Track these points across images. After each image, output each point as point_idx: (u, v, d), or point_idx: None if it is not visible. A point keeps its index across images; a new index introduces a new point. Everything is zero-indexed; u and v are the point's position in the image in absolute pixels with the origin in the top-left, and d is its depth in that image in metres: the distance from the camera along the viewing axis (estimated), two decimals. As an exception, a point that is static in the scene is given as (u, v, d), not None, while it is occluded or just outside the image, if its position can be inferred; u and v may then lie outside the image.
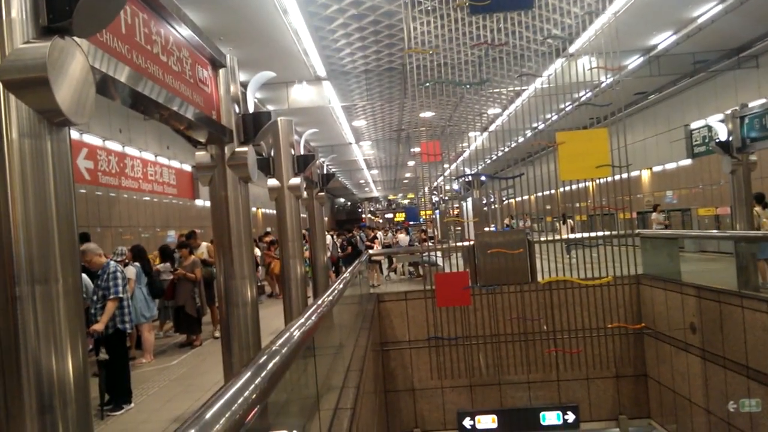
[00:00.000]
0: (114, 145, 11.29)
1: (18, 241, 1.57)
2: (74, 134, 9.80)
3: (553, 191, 8.44)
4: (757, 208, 8.44)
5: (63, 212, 1.66)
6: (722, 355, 6.66)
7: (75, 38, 1.69)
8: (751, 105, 8.27)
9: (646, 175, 18.77)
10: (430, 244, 10.38)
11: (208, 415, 1.18)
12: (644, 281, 8.47)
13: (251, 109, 3.95)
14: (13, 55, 1.56)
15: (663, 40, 12.21)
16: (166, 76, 2.76)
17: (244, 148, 3.69)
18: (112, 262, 5.68)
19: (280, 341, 2.14)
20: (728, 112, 8.13)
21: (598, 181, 8.01)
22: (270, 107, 14.03)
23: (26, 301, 1.58)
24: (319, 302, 3.35)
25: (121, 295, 5.48)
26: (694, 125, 15.64)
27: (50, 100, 1.56)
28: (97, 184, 10.59)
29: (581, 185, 8.46)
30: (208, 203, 14.40)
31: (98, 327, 5.29)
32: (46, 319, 1.60)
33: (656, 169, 18.11)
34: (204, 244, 9.84)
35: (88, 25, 1.69)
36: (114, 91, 2.29)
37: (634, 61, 13.04)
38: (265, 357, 1.84)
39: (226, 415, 1.21)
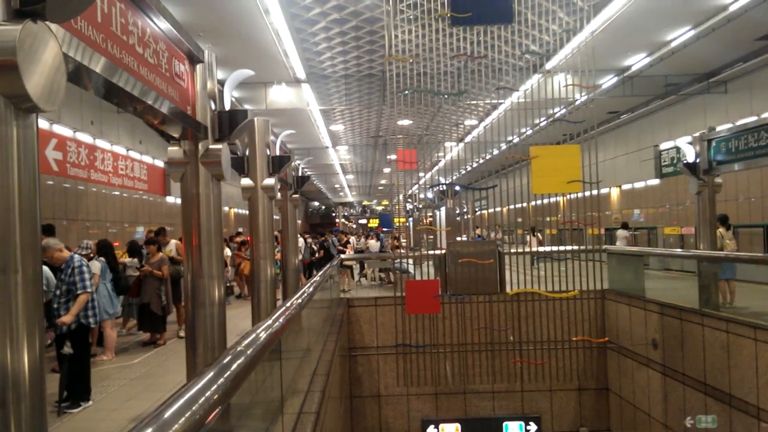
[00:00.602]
0: (85, 137, 11.04)
1: (-24, 228, 1.52)
2: (44, 124, 9.55)
3: (524, 204, 8.55)
4: (721, 230, 8.69)
5: (26, 201, 1.61)
6: (682, 372, 6.81)
7: (48, 23, 1.65)
8: (718, 129, 8.53)
9: (615, 192, 19.17)
10: (402, 251, 10.39)
11: (167, 414, 1.15)
12: (609, 296, 8.63)
13: (228, 107, 3.91)
14: (-18, 38, 1.52)
15: (637, 61, 12.52)
16: (141, 68, 2.72)
17: (219, 146, 3.65)
18: (76, 256, 5.54)
19: (246, 342, 2.11)
20: (696, 134, 8.36)
21: (568, 196, 8.15)
22: (247, 107, 13.92)
23: (-18, 291, 1.53)
24: (288, 305, 3.32)
25: (89, 290, 5.35)
26: (663, 146, 15.96)
27: (18, 85, 1.52)
28: (66, 176, 10.33)
29: (552, 199, 8.59)
30: (179, 200, 14.20)
31: (66, 319, 5.15)
32: (3, 311, 1.55)
33: (625, 187, 18.51)
34: (173, 242, 9.68)
35: (62, 11, 1.65)
36: (87, 80, 2.25)
37: (608, 81, 13.34)
38: (229, 357, 1.81)
39: (186, 415, 1.19)
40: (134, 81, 2.55)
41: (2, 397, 1.55)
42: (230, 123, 3.71)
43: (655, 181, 16.48)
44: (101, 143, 11.75)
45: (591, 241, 8.74)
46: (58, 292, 5.39)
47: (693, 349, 6.59)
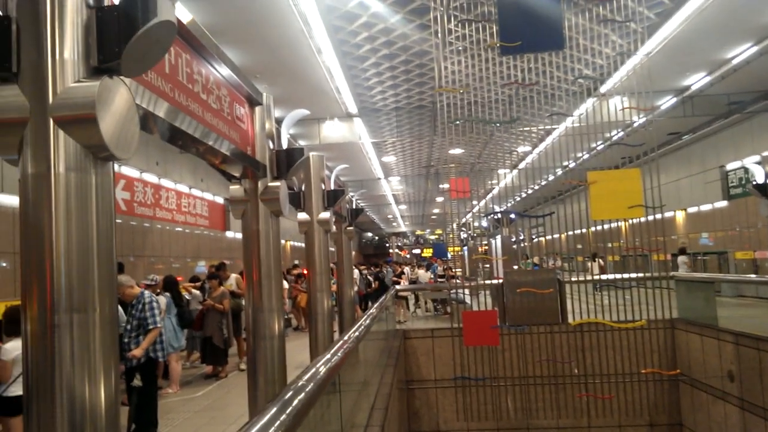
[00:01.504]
0: (150, 177, 11.63)
1: (59, 270, 1.62)
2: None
3: (584, 230, 8.32)
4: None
5: (103, 244, 1.72)
6: (762, 406, 6.35)
7: (123, 78, 1.77)
8: (789, 147, 8.10)
9: (680, 216, 18.38)
10: (457, 281, 10.28)
11: (235, 451, 1.18)
12: (679, 326, 8.20)
13: (285, 145, 4.04)
14: (65, 93, 1.65)
15: (697, 80, 12.12)
16: (205, 114, 2.87)
17: (277, 183, 3.77)
18: (146, 292, 5.78)
19: (306, 377, 2.14)
20: (765, 153, 7.96)
21: (631, 221, 7.87)
22: (302, 142, 14.32)
23: (64, 329, 1.62)
24: (346, 338, 3.34)
25: (159, 325, 5.57)
26: (729, 166, 15.33)
27: (97, 136, 1.63)
28: (133, 215, 10.87)
29: (614, 225, 8.31)
30: (238, 235, 14.58)
31: (137, 352, 5.36)
32: (82, 348, 1.64)
33: (691, 210, 17.74)
34: (233, 276, 9.95)
35: (135, 66, 1.78)
36: (153, 125, 2.39)
37: (667, 101, 12.95)
38: (290, 393, 1.84)
39: (252, 451, 1.21)
40: (197, 125, 2.69)
41: (81, 430, 1.63)
42: (288, 161, 3.84)
43: (723, 203, 15.72)
44: (166, 182, 12.33)
45: (657, 267, 8.38)
46: (128, 327, 5.63)
47: (775, 382, 6.15)
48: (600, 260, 14.81)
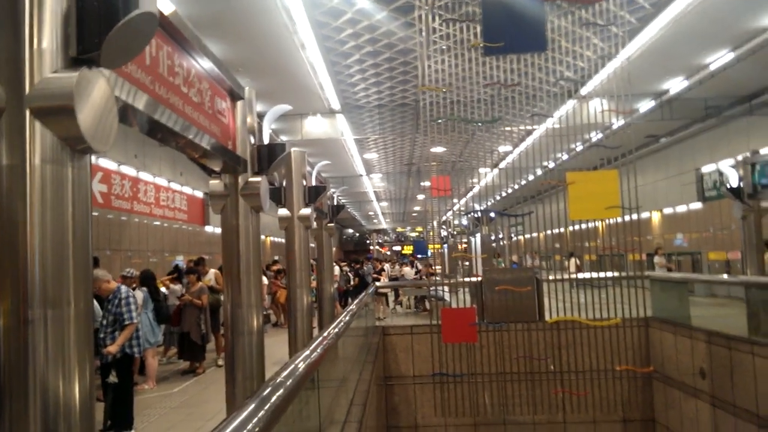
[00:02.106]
0: (128, 170, 11.46)
1: (33, 264, 1.60)
2: (91, 158, 9.96)
3: (562, 230, 8.41)
4: (769, 255, 8.37)
5: (79, 238, 1.69)
6: (732, 403, 6.51)
7: (102, 69, 1.75)
8: (762, 152, 8.29)
9: (656, 217, 18.70)
10: (437, 278, 10.33)
11: (211, 447, 1.18)
12: (653, 324, 8.35)
13: (266, 140, 4.02)
14: (42, 84, 1.62)
15: (675, 85, 12.33)
16: (186, 107, 2.83)
17: (258, 179, 3.75)
18: (123, 287, 5.70)
19: (285, 373, 2.13)
20: (740, 157, 8.14)
21: (608, 221, 7.99)
22: (284, 137, 14.23)
23: (38, 325, 1.60)
24: (325, 334, 3.34)
25: (135, 321, 5.49)
26: (705, 169, 15.63)
27: (74, 128, 1.61)
28: (110, 208, 10.71)
29: (591, 225, 8.43)
30: (217, 230, 14.43)
31: (112, 348, 5.29)
32: (56, 343, 1.62)
33: (667, 211, 18.05)
34: (212, 271, 9.87)
35: (115, 58, 1.75)
36: (133, 118, 2.36)
37: (645, 105, 13.15)
38: (269, 389, 1.83)
39: (229, 448, 1.21)
40: (177, 118, 2.66)
41: (54, 426, 1.61)
42: (269, 157, 3.82)
43: (698, 205, 16.03)
44: (144, 175, 12.16)
45: (632, 267, 8.51)
46: (104, 321, 5.54)
47: (743, 378, 6.30)
48: (576, 259, 15.04)
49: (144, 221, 12.25)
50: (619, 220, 7.67)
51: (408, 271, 16.42)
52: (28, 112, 1.60)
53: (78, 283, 1.69)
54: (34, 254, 1.60)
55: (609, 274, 8.40)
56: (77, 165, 1.70)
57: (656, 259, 14.59)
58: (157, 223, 12.89)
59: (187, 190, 14.59)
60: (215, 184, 3.74)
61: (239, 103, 3.77)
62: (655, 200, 18.02)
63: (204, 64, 3.13)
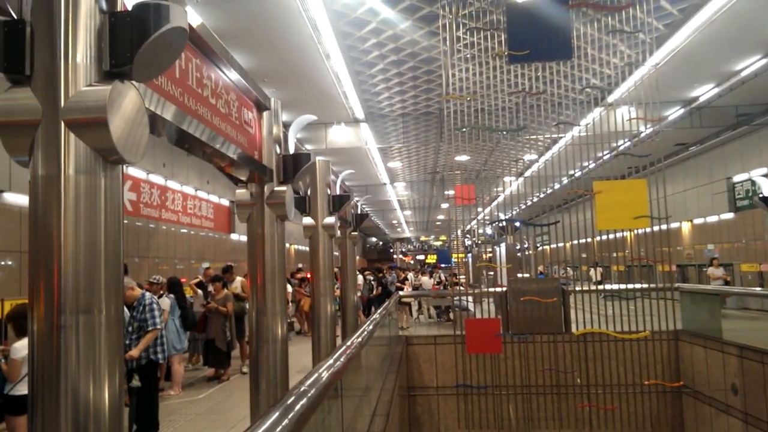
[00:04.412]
0: (157, 179, 11.68)
1: (67, 272, 1.64)
2: (121, 167, 10.18)
3: (589, 239, 8.29)
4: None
5: (111, 246, 1.73)
6: (766, 420, 6.31)
7: (134, 82, 1.79)
8: (797, 160, 8.07)
9: (686, 227, 18.32)
10: (460, 288, 10.26)
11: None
12: (683, 337, 8.15)
13: (291, 150, 4.06)
14: (76, 97, 1.67)
15: (705, 92, 12.10)
16: (214, 118, 2.89)
17: (283, 188, 3.78)
18: (147, 294, 5.80)
19: (309, 382, 2.14)
20: (773, 166, 7.94)
21: (636, 231, 7.85)
22: (308, 146, 14.36)
23: (70, 330, 1.63)
24: (349, 343, 3.34)
25: (158, 327, 5.58)
26: (737, 178, 15.28)
27: (107, 139, 1.65)
28: (139, 216, 10.92)
29: (619, 234, 8.29)
30: (243, 237, 14.55)
31: (134, 353, 5.38)
32: (87, 349, 1.66)
33: (697, 221, 17.67)
34: (239, 279, 9.96)
35: (146, 71, 1.79)
36: (161, 128, 2.41)
37: (674, 112, 12.93)
38: (293, 398, 1.84)
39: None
40: (206, 129, 2.71)
41: (85, 430, 1.64)
42: (294, 166, 3.86)
43: (730, 215, 15.66)
44: (172, 184, 12.39)
45: (662, 278, 8.34)
46: (129, 328, 5.65)
47: (779, 396, 6.11)
48: (600, 268, 14.85)
49: (171, 229, 12.46)
50: (648, 230, 7.53)
51: (426, 281, 16.34)
52: (63, 124, 1.65)
53: (109, 289, 1.73)
54: (68, 262, 1.64)
55: (638, 285, 8.25)
56: (110, 175, 1.74)
57: (710, 270, 13.52)
58: (184, 230, 13.10)
59: (214, 198, 14.80)
60: (242, 193, 3.79)
61: (265, 114, 3.82)
62: (685, 210, 17.66)
63: (231, 76, 3.19)
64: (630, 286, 8.40)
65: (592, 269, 14.26)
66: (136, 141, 1.77)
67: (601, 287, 8.94)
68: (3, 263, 7.49)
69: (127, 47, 1.72)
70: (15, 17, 1.73)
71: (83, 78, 1.69)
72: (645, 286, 8.06)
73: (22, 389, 4.24)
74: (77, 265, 1.65)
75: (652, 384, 7.68)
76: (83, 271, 1.66)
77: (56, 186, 1.64)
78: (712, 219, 16.67)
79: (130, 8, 1.75)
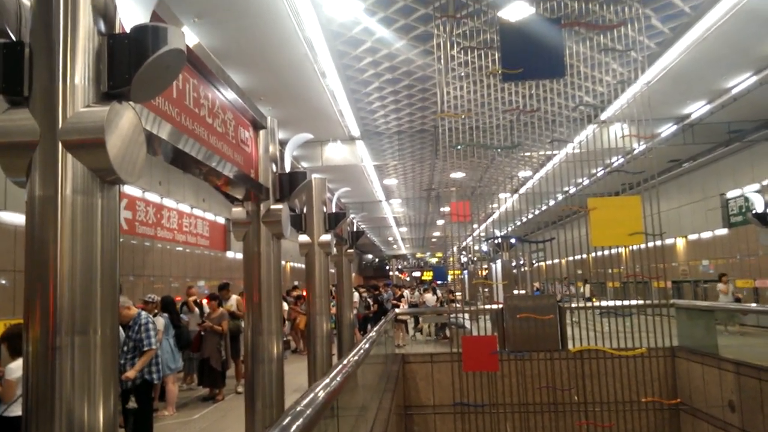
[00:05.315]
0: (153, 197, 11.67)
1: (63, 292, 1.63)
2: (116, 185, 10.17)
3: (584, 255, 8.31)
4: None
5: (107, 266, 1.73)
6: (765, 438, 6.28)
7: (131, 103, 1.81)
8: (789, 176, 8.14)
9: (681, 243, 18.38)
10: (457, 305, 10.24)
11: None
12: (680, 354, 8.14)
13: (288, 168, 4.08)
14: (74, 118, 1.68)
15: (697, 109, 12.24)
16: (211, 137, 2.90)
17: (279, 206, 3.79)
18: (143, 313, 5.76)
19: (305, 402, 2.13)
20: (765, 182, 8.00)
21: (631, 247, 7.88)
22: (304, 164, 14.40)
23: (65, 351, 1.63)
24: (345, 362, 3.33)
25: (154, 347, 5.54)
26: (730, 194, 15.39)
27: (105, 160, 1.66)
28: (134, 234, 10.89)
29: (614, 251, 8.31)
30: (238, 255, 14.47)
31: (130, 374, 5.33)
32: (82, 370, 1.65)
33: (692, 237, 17.74)
34: (234, 297, 9.91)
35: (144, 92, 1.81)
36: (158, 148, 2.42)
37: (667, 129, 13.05)
38: (288, 419, 1.83)
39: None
40: (202, 148, 2.72)
41: (79, 453, 1.62)
42: (290, 184, 3.87)
43: (723, 231, 15.74)
44: (168, 202, 12.37)
45: (657, 294, 8.35)
46: (125, 348, 5.60)
47: (777, 413, 6.09)
48: (588, 285, 15.00)
49: (167, 247, 12.42)
50: (643, 246, 7.56)
51: (429, 298, 16.28)
52: (60, 145, 1.66)
53: (105, 310, 1.72)
54: (63, 282, 1.64)
55: (633, 302, 8.25)
56: (107, 195, 1.75)
57: (720, 286, 13.10)
58: (180, 248, 13.05)
59: (210, 216, 14.78)
60: (238, 211, 3.79)
61: (262, 133, 3.85)
62: (679, 226, 17.74)
63: (228, 95, 3.22)
64: (626, 302, 8.40)
65: (583, 285, 14.33)
66: (133, 161, 1.78)
67: (596, 304, 8.94)
68: (-3, 282, 7.44)
69: (125, 69, 1.74)
70: (14, 39, 1.75)
71: (81, 99, 1.71)
72: (641, 302, 8.07)
73: (16, 410, 4.19)
74: (73, 285, 1.65)
75: (649, 401, 7.65)
76: (79, 292, 1.66)
77: (53, 206, 1.65)
78: (707, 235, 16.75)
79: (128, 30, 1.77)
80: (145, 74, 1.72)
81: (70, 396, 1.62)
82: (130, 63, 1.73)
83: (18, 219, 7.29)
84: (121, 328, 6.15)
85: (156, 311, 7.64)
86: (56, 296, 1.64)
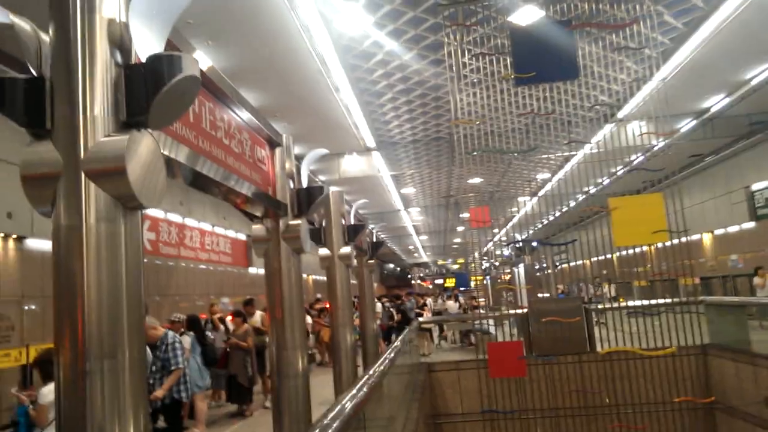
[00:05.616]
0: (175, 217, 11.84)
1: (91, 318, 1.68)
2: (139, 207, 10.35)
3: (608, 256, 8.20)
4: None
5: (132, 289, 1.77)
6: (806, 435, 6.11)
7: (150, 130, 1.86)
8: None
9: (707, 238, 18.04)
10: (481, 311, 10.18)
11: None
12: (711, 351, 7.97)
13: (305, 184, 4.12)
14: (95, 148, 1.73)
15: (716, 102, 12.05)
16: (228, 158, 2.96)
17: (298, 221, 3.83)
18: (170, 333, 5.84)
19: (332, 415, 2.14)
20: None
21: (656, 245, 7.76)
22: (322, 177, 14.49)
23: (95, 375, 1.66)
24: (370, 372, 3.34)
25: (181, 366, 5.61)
26: (755, 187, 15.08)
27: (126, 187, 1.71)
28: (158, 254, 11.05)
29: (638, 249, 8.20)
30: (261, 271, 14.61)
31: (159, 394, 5.40)
32: (113, 392, 1.68)
33: (718, 232, 17.40)
34: (258, 313, 9.97)
35: (162, 119, 1.86)
36: (177, 171, 2.47)
37: (686, 124, 12.87)
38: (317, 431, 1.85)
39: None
40: (219, 169, 2.77)
41: (112, 475, 1.66)
42: (308, 199, 3.91)
43: (751, 224, 15.41)
44: (189, 222, 12.55)
45: (686, 291, 8.20)
46: (153, 368, 5.67)
47: (816, 409, 5.92)
48: (613, 285, 14.84)
49: (190, 266, 12.58)
50: (668, 243, 7.45)
51: (451, 305, 16.20)
52: (83, 175, 1.71)
53: (132, 332, 1.76)
54: (91, 309, 1.68)
55: (661, 300, 8.12)
56: (129, 221, 1.79)
57: (757, 280, 12.62)
58: (203, 266, 13.21)
59: (231, 233, 14.94)
60: (258, 229, 3.83)
61: (278, 150, 3.89)
62: (704, 221, 17.41)
63: (243, 116, 3.27)
64: (654, 301, 8.27)
65: (607, 285, 14.14)
66: (154, 186, 1.83)
67: (623, 304, 8.81)
68: (27, 308, 7.61)
69: (142, 98, 1.78)
70: (35, 74, 1.81)
71: (101, 129, 1.76)
72: (669, 300, 7.93)
73: (51, 434, 4.27)
74: (100, 311, 1.69)
75: (682, 401, 7.50)
76: (107, 317, 1.70)
77: (78, 235, 1.69)
78: (734, 229, 16.41)
79: (144, 60, 1.82)
80: (161, 102, 1.77)
81: (102, 419, 1.65)
82: (147, 92, 1.78)
83: (44, 245, 7.45)
84: (148, 348, 6.24)
85: (182, 330, 7.73)
86: (84, 322, 1.68)
